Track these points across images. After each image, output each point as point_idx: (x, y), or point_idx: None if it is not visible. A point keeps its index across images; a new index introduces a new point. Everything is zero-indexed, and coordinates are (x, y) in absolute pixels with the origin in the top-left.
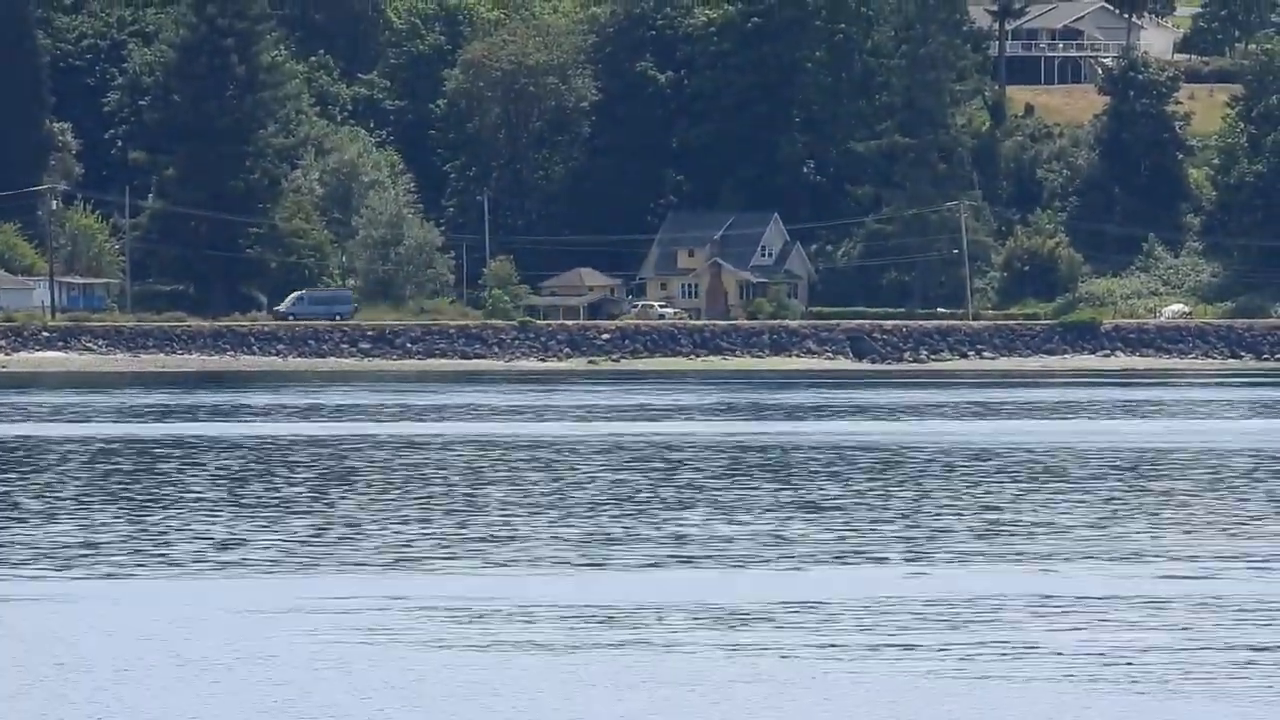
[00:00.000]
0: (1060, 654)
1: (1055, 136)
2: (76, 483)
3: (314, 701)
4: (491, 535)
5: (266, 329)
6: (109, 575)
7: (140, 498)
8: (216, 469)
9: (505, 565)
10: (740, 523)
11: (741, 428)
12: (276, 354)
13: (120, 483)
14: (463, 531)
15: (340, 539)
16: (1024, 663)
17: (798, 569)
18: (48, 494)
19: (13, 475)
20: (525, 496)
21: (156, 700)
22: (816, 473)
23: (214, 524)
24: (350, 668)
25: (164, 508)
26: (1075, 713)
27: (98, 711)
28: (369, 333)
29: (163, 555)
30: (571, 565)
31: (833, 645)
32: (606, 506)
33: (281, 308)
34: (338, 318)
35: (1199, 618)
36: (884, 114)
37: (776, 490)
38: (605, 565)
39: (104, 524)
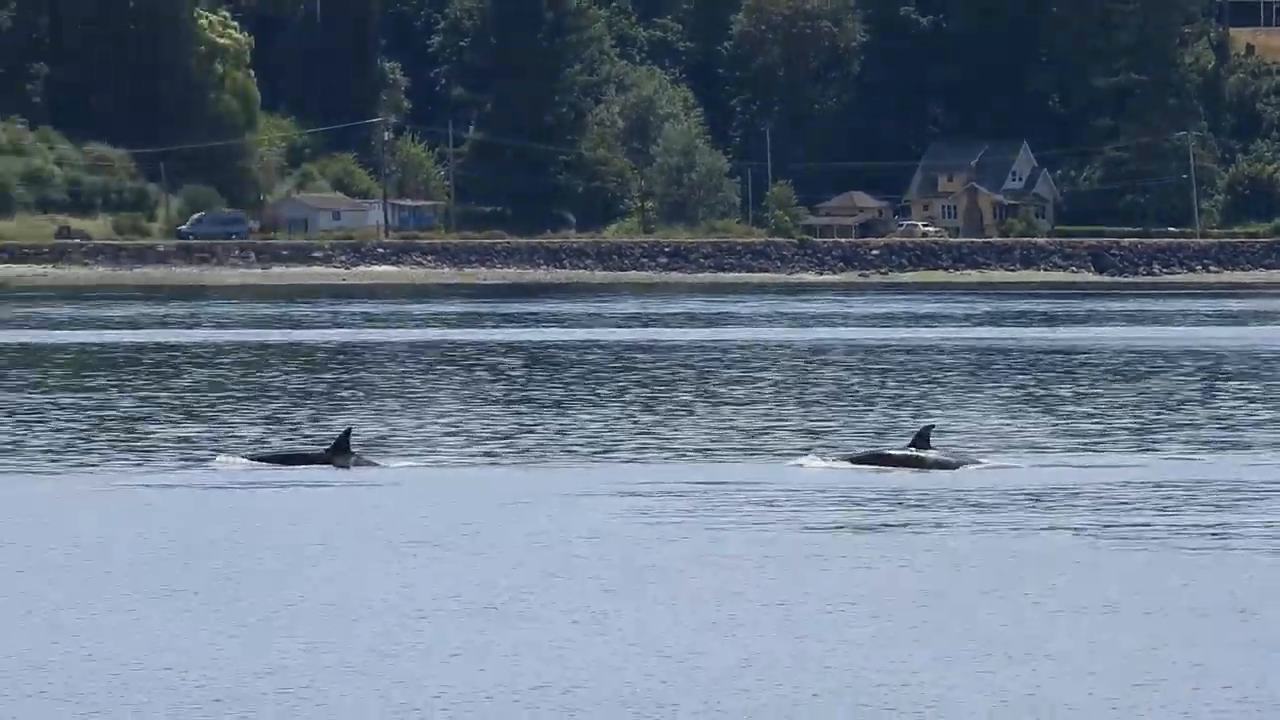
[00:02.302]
0: None
1: (1274, 73)
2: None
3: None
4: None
5: (576, 245)
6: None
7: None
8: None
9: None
10: None
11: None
12: (584, 267)
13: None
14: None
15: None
16: None
17: None
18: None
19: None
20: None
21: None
22: None
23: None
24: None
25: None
26: None
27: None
28: (666, 249)
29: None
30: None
31: None
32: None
33: (184, 227)
34: (233, 236)
35: None
36: (1121, 53)
37: None
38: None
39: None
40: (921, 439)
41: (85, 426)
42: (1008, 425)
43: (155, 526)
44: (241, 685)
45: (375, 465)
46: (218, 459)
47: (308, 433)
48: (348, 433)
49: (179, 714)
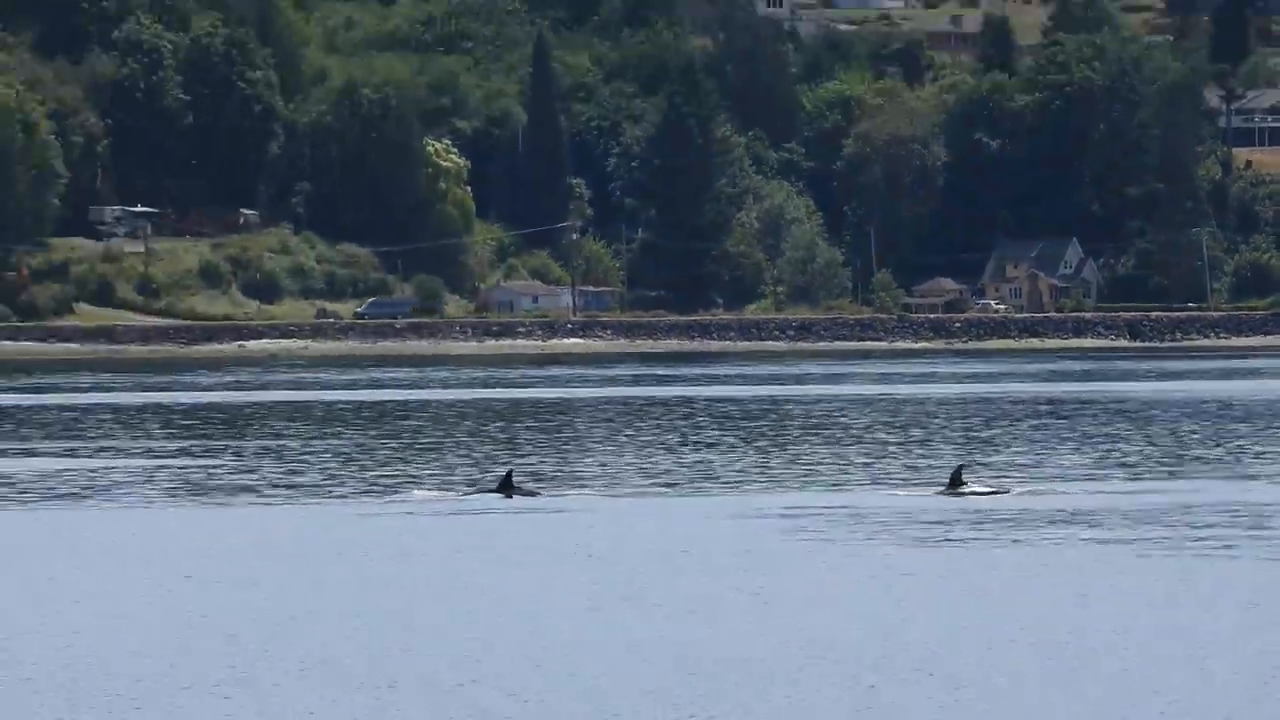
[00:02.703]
0: None
1: (1268, 183)
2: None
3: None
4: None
5: (722, 321)
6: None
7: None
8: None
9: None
10: None
11: None
12: (729, 339)
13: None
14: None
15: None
16: None
17: None
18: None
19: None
20: None
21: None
22: None
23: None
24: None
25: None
26: None
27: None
28: (794, 324)
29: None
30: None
31: None
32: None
33: (359, 310)
34: (399, 318)
35: None
36: (1147, 169)
37: None
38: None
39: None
40: (957, 476)
41: (329, 466)
42: (1043, 459)
43: (386, 545)
44: (487, 664)
45: (534, 495)
46: (415, 493)
47: (492, 469)
48: (510, 473)
49: (439, 685)
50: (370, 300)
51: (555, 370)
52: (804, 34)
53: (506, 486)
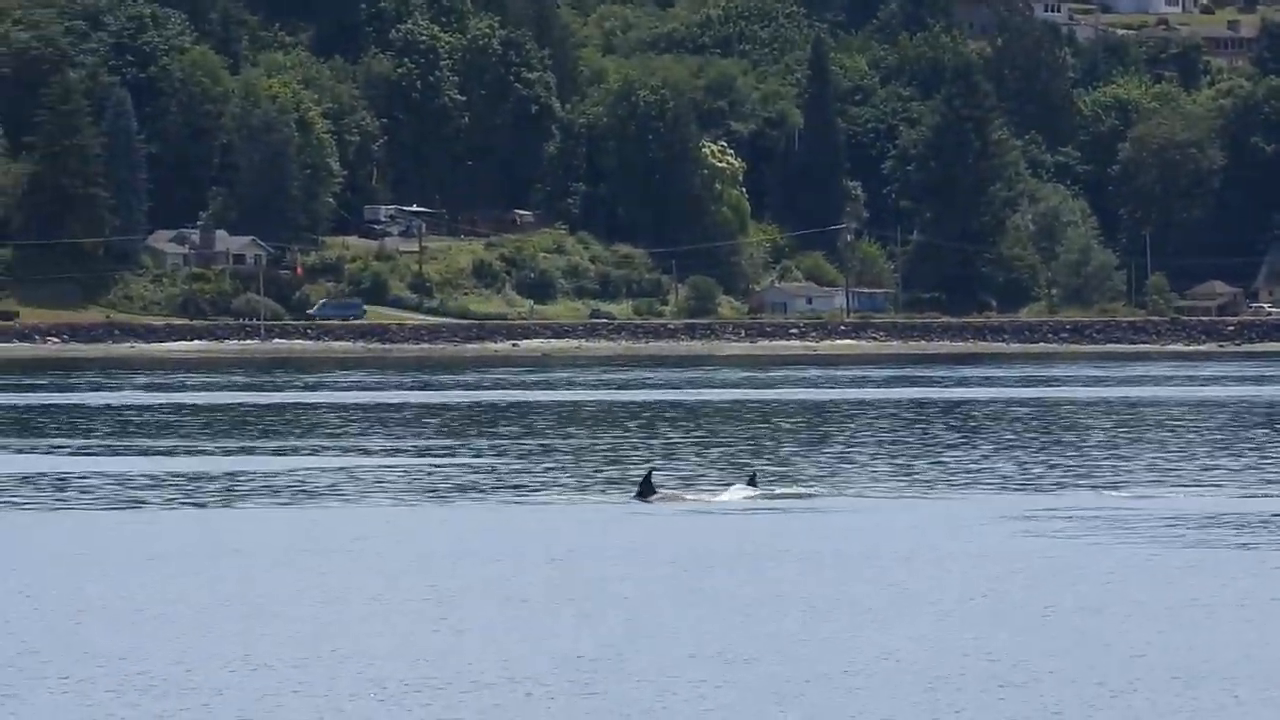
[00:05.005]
0: None
1: None
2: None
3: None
4: None
5: (995, 324)
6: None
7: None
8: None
9: None
10: None
11: None
12: (1002, 341)
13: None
14: None
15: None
16: None
17: None
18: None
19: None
20: None
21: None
22: None
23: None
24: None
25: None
26: None
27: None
28: (1067, 326)
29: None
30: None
31: None
32: None
33: (312, 310)
34: (350, 318)
35: None
36: None
37: None
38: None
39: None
40: (647, 481)
41: (578, 463)
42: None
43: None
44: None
45: (679, 500)
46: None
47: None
48: (649, 474)
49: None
50: (321, 301)
51: (820, 370)
52: (1081, 38)
53: (646, 488)
